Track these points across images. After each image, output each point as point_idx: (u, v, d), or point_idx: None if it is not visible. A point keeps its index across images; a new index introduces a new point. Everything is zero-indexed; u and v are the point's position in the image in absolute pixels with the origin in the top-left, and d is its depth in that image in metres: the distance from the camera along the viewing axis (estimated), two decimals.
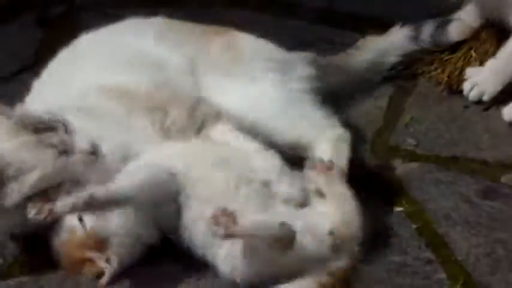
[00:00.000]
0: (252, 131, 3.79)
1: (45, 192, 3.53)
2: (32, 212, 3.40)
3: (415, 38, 4.27)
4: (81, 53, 3.92)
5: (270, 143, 3.76)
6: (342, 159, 3.75)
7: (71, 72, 3.85)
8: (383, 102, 4.12)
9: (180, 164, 3.58)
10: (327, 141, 3.81)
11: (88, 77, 3.81)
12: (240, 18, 4.13)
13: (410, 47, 4.27)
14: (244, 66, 3.93)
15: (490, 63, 4.10)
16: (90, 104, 3.70)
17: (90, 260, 3.53)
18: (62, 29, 4.25)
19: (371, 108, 4.12)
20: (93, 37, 3.96)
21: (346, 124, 3.94)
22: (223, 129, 3.73)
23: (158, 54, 3.89)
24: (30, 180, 3.52)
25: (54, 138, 3.54)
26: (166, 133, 3.72)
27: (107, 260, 3.51)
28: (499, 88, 4.09)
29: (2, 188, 3.51)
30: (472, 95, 4.12)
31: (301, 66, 4.00)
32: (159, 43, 3.92)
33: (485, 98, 4.09)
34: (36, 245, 3.67)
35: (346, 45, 4.25)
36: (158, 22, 4.01)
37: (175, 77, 3.88)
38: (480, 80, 4.12)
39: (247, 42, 4.00)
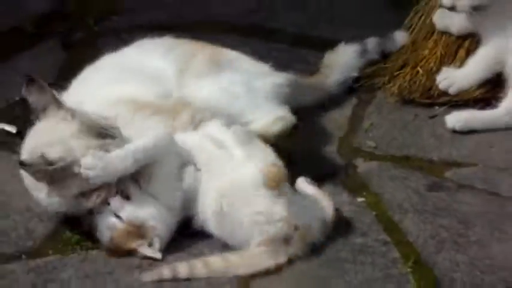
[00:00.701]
0: (218, 114, 3.77)
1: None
2: (90, 201, 3.50)
3: (364, 52, 4.23)
4: (103, 69, 3.88)
5: (231, 121, 3.72)
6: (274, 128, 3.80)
7: (94, 86, 3.82)
8: (348, 111, 4.11)
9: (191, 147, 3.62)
10: (267, 118, 3.83)
11: (109, 90, 3.78)
12: (232, 41, 4.13)
13: (362, 60, 4.24)
14: (221, 70, 3.91)
15: (463, 69, 4.06)
16: (114, 112, 3.67)
17: (139, 250, 3.53)
18: (82, 51, 4.21)
19: (338, 117, 4.11)
20: (113, 56, 3.93)
21: (318, 129, 3.99)
22: (214, 125, 3.71)
23: (162, 68, 3.87)
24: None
25: (112, 145, 3.54)
26: (174, 131, 3.69)
27: (150, 244, 3.53)
28: (463, 87, 4.07)
29: (66, 180, 3.51)
30: (443, 84, 4.09)
31: (272, 76, 3.98)
32: (163, 59, 3.90)
33: (451, 90, 4.07)
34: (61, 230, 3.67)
35: (318, 64, 4.23)
36: (164, 41, 3.98)
37: (175, 87, 3.86)
38: (452, 76, 4.09)
39: (228, 54, 3.98)
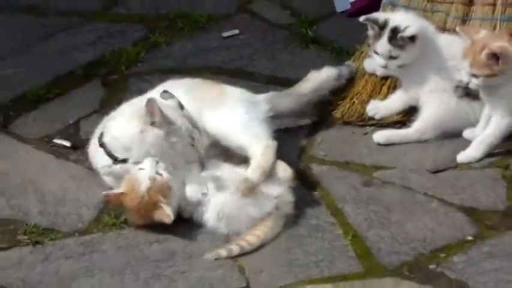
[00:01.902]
0: (220, 141, 3.76)
1: None
2: None
3: (339, 76, 4.13)
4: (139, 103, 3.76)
5: (229, 147, 3.74)
6: (267, 158, 3.69)
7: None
8: (305, 130, 4.09)
9: None
10: (259, 147, 3.72)
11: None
12: (222, 80, 4.07)
13: (336, 83, 4.13)
14: (225, 103, 3.84)
15: (385, 101, 4.03)
16: None
17: (161, 206, 3.48)
18: (116, 89, 4.22)
19: (298, 133, 4.09)
20: (148, 94, 3.82)
21: (284, 142, 3.89)
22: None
23: (185, 99, 3.76)
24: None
25: (198, 144, 3.61)
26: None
27: (168, 203, 3.49)
28: (385, 115, 4.02)
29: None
30: (371, 113, 4.04)
31: (262, 104, 3.90)
32: (185, 96, 3.79)
33: (377, 116, 4.03)
34: (101, 215, 3.69)
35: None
36: (184, 82, 3.92)
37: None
38: (377, 106, 4.04)
39: (230, 90, 3.91)
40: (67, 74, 4.40)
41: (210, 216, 3.56)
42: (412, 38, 3.92)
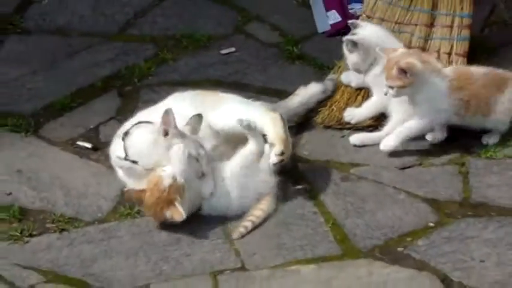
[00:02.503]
0: (229, 133, 3.69)
1: None
2: None
3: (325, 90, 4.09)
4: (151, 114, 3.75)
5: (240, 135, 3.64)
6: (279, 129, 3.63)
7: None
8: (291, 132, 3.91)
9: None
10: (267, 121, 3.65)
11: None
12: (220, 91, 4.04)
13: (322, 96, 4.09)
14: (223, 102, 3.81)
15: (360, 108, 3.99)
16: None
17: (175, 204, 3.44)
18: (130, 99, 4.21)
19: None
20: (159, 104, 3.83)
21: None
22: None
23: (190, 111, 3.73)
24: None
25: (202, 161, 3.55)
26: None
27: (182, 203, 3.45)
28: (360, 120, 3.99)
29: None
30: (347, 118, 4.00)
31: (256, 104, 3.86)
32: (189, 105, 3.78)
33: (353, 121, 4.00)
34: (118, 206, 3.69)
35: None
36: (189, 93, 3.89)
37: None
38: (353, 113, 4.00)
39: (228, 96, 3.89)
40: (88, 86, 4.40)
41: (221, 196, 3.55)
42: (355, 44, 3.92)
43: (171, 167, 3.47)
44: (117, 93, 4.36)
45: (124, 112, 4.08)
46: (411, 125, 3.82)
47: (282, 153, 3.60)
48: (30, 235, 3.57)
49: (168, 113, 3.54)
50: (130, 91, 4.36)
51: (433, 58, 3.88)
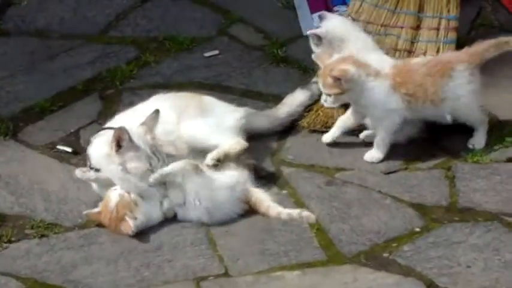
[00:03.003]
0: (197, 146, 3.75)
1: None
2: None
3: (311, 95, 4.08)
4: (131, 116, 3.80)
5: (203, 148, 3.73)
6: (232, 148, 3.70)
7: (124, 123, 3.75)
8: (276, 137, 4.07)
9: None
10: (230, 142, 3.74)
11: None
12: (203, 93, 4.07)
13: (309, 101, 4.09)
14: (201, 112, 3.84)
15: (343, 116, 3.97)
16: None
17: (125, 219, 3.49)
18: (112, 101, 4.18)
19: (271, 141, 4.05)
20: (139, 106, 3.88)
21: (260, 149, 3.94)
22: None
23: (169, 114, 3.79)
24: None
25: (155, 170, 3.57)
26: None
27: (135, 218, 3.50)
28: (351, 127, 3.94)
29: None
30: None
31: (236, 113, 3.89)
32: (169, 108, 3.81)
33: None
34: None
35: (258, 108, 4.14)
36: (169, 96, 3.92)
37: (176, 127, 3.79)
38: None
39: (208, 100, 3.93)
40: (69, 89, 4.39)
41: (191, 203, 3.55)
42: (319, 38, 3.93)
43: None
44: (98, 96, 4.35)
45: (105, 115, 4.09)
46: (380, 134, 3.85)
47: (218, 160, 3.64)
48: (9, 241, 3.56)
49: (119, 130, 3.56)
50: (112, 94, 4.35)
51: (371, 61, 3.86)
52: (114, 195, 3.50)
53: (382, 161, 3.88)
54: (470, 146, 3.91)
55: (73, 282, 3.35)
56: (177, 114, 3.81)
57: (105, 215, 3.51)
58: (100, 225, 3.59)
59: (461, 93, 3.79)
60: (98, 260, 3.44)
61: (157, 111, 3.67)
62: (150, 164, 3.57)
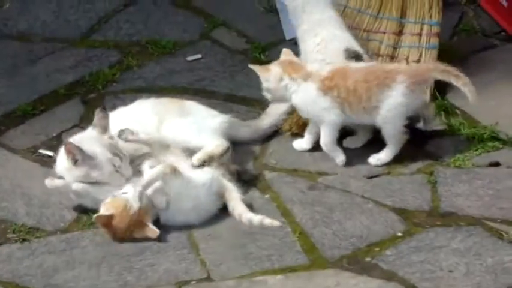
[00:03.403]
0: (179, 144, 3.75)
1: None
2: None
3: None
4: (114, 119, 3.80)
5: (185, 148, 3.75)
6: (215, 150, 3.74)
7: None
8: (259, 142, 4.08)
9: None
10: (212, 144, 3.77)
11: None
12: (186, 98, 4.10)
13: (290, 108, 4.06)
14: (182, 114, 3.86)
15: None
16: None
17: (148, 224, 3.48)
18: (94, 106, 4.13)
19: (253, 146, 4.06)
20: (121, 110, 3.90)
21: (243, 153, 3.96)
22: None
23: (150, 117, 3.82)
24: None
25: (122, 170, 3.60)
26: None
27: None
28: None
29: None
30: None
31: (217, 116, 3.91)
32: (150, 111, 3.85)
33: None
34: (81, 216, 3.68)
35: (242, 114, 4.18)
36: (151, 100, 3.93)
37: (155, 129, 3.80)
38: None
39: (190, 105, 3.94)
40: (51, 92, 4.39)
41: (174, 206, 3.56)
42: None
43: (131, 186, 3.51)
44: (80, 100, 4.35)
45: (87, 120, 4.04)
46: (323, 132, 3.88)
47: (204, 162, 3.67)
48: None
49: (68, 144, 3.58)
50: (94, 98, 4.34)
51: (306, 64, 3.89)
52: (133, 199, 3.45)
53: (362, 164, 3.89)
54: (372, 161, 3.89)
55: (55, 287, 3.34)
56: (158, 117, 3.83)
57: (122, 219, 3.44)
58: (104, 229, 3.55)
59: (393, 105, 3.77)
60: (80, 264, 3.43)
61: (103, 109, 3.68)
62: (114, 166, 3.58)
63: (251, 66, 3.95)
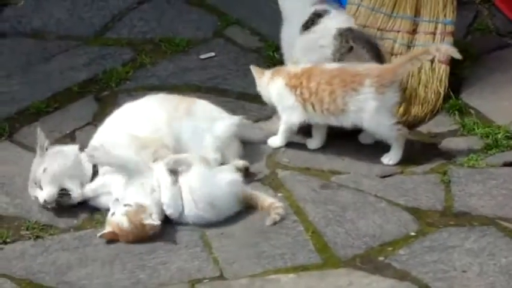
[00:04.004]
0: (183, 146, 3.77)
1: None
2: None
3: None
4: (119, 115, 3.86)
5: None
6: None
7: (113, 125, 3.82)
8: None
9: None
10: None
11: (120, 128, 3.78)
12: (199, 96, 4.11)
13: None
14: (191, 116, 3.84)
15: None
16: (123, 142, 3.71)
17: (145, 223, 3.48)
18: (107, 103, 4.17)
19: (267, 146, 4.04)
20: (130, 106, 3.91)
21: (255, 152, 3.95)
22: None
23: (158, 113, 3.83)
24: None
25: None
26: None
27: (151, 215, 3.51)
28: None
29: None
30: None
31: (227, 118, 3.89)
32: (158, 108, 3.85)
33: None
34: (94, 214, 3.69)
35: (255, 112, 4.19)
36: (160, 97, 3.94)
37: (165, 125, 3.79)
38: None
39: (198, 104, 3.93)
40: (65, 90, 4.39)
41: (190, 202, 3.56)
42: None
43: (113, 205, 3.52)
44: (93, 98, 4.35)
45: (101, 117, 4.06)
46: (280, 128, 3.94)
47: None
48: (4, 242, 3.56)
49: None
50: (108, 96, 4.35)
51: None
52: (120, 219, 3.47)
53: (375, 163, 3.90)
54: (384, 160, 3.90)
55: (68, 284, 3.35)
56: (167, 113, 3.82)
57: (127, 235, 3.48)
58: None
59: (365, 108, 3.78)
60: (93, 262, 3.44)
61: (40, 133, 3.71)
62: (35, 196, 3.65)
63: (252, 67, 4.03)
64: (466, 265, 3.35)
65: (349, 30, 4.00)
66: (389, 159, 3.89)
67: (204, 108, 3.92)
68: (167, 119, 3.81)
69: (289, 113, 3.89)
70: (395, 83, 3.79)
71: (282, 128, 3.95)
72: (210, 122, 3.86)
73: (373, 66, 3.85)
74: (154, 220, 3.49)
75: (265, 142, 4.01)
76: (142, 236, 3.50)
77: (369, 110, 3.77)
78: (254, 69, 4.01)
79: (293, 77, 3.88)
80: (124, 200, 3.52)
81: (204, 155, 3.74)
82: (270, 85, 3.94)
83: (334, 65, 3.90)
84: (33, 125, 4.18)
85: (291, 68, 3.96)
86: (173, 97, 3.96)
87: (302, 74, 3.87)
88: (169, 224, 3.57)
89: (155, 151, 3.70)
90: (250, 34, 4.75)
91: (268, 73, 3.98)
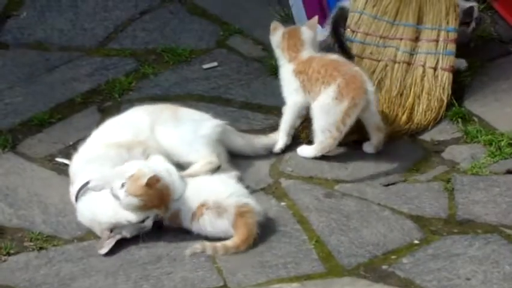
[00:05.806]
0: (169, 152, 3.77)
1: None
2: None
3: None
4: (109, 125, 3.89)
5: (175, 161, 3.74)
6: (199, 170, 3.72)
7: (95, 138, 3.86)
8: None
9: None
10: (201, 162, 3.76)
11: (108, 136, 3.82)
12: (201, 107, 4.14)
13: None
14: (176, 122, 3.86)
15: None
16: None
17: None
18: (110, 114, 4.14)
19: (269, 152, 4.04)
20: (119, 116, 3.95)
21: (259, 160, 3.95)
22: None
23: (142, 119, 3.86)
24: None
25: None
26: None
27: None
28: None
29: None
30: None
31: (211, 120, 3.89)
32: (146, 115, 3.87)
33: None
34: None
35: (258, 120, 4.21)
36: (146, 107, 3.96)
37: (148, 131, 3.81)
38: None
39: (184, 111, 3.93)
40: (68, 101, 4.40)
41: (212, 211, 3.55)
42: None
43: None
44: (97, 108, 4.36)
45: None
46: (286, 110, 3.98)
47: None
48: (8, 253, 3.57)
49: None
50: (111, 106, 4.36)
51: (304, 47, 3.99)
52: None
53: (378, 171, 3.91)
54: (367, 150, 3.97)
55: None
56: (150, 118, 3.85)
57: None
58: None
59: (322, 101, 3.87)
60: (97, 273, 3.45)
61: None
62: None
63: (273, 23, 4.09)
64: (470, 273, 3.35)
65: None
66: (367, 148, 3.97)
67: (188, 112, 3.94)
68: (150, 124, 3.83)
69: (294, 95, 3.97)
70: (360, 101, 3.83)
71: (284, 118, 4.00)
72: (196, 124, 3.87)
73: (351, 71, 3.89)
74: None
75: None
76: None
77: (322, 103, 3.86)
78: (273, 24, 4.10)
79: (300, 64, 3.94)
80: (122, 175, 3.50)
81: (196, 159, 3.76)
82: (282, 66, 4.04)
83: (334, 56, 3.98)
84: (37, 136, 4.20)
85: (301, 55, 3.98)
86: (158, 105, 3.98)
87: (306, 61, 3.94)
88: (172, 234, 3.57)
89: (144, 150, 3.73)
90: (253, 44, 4.75)
91: (281, 31, 4.06)
